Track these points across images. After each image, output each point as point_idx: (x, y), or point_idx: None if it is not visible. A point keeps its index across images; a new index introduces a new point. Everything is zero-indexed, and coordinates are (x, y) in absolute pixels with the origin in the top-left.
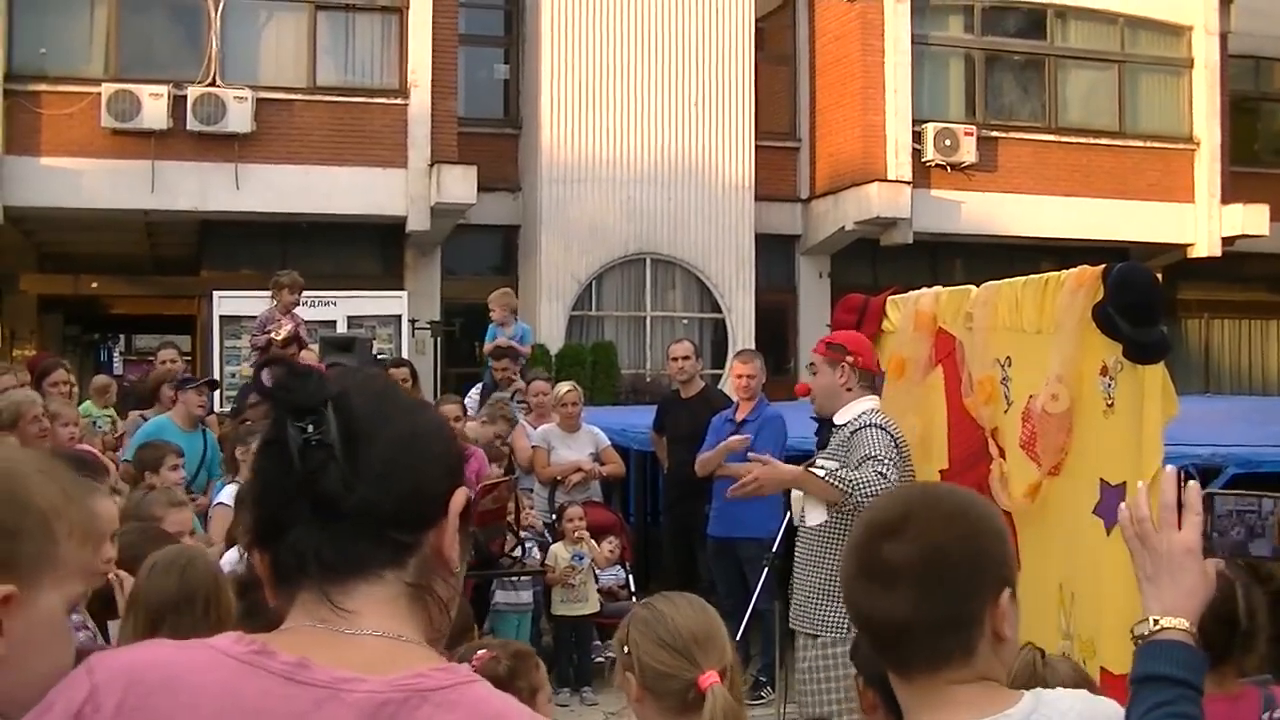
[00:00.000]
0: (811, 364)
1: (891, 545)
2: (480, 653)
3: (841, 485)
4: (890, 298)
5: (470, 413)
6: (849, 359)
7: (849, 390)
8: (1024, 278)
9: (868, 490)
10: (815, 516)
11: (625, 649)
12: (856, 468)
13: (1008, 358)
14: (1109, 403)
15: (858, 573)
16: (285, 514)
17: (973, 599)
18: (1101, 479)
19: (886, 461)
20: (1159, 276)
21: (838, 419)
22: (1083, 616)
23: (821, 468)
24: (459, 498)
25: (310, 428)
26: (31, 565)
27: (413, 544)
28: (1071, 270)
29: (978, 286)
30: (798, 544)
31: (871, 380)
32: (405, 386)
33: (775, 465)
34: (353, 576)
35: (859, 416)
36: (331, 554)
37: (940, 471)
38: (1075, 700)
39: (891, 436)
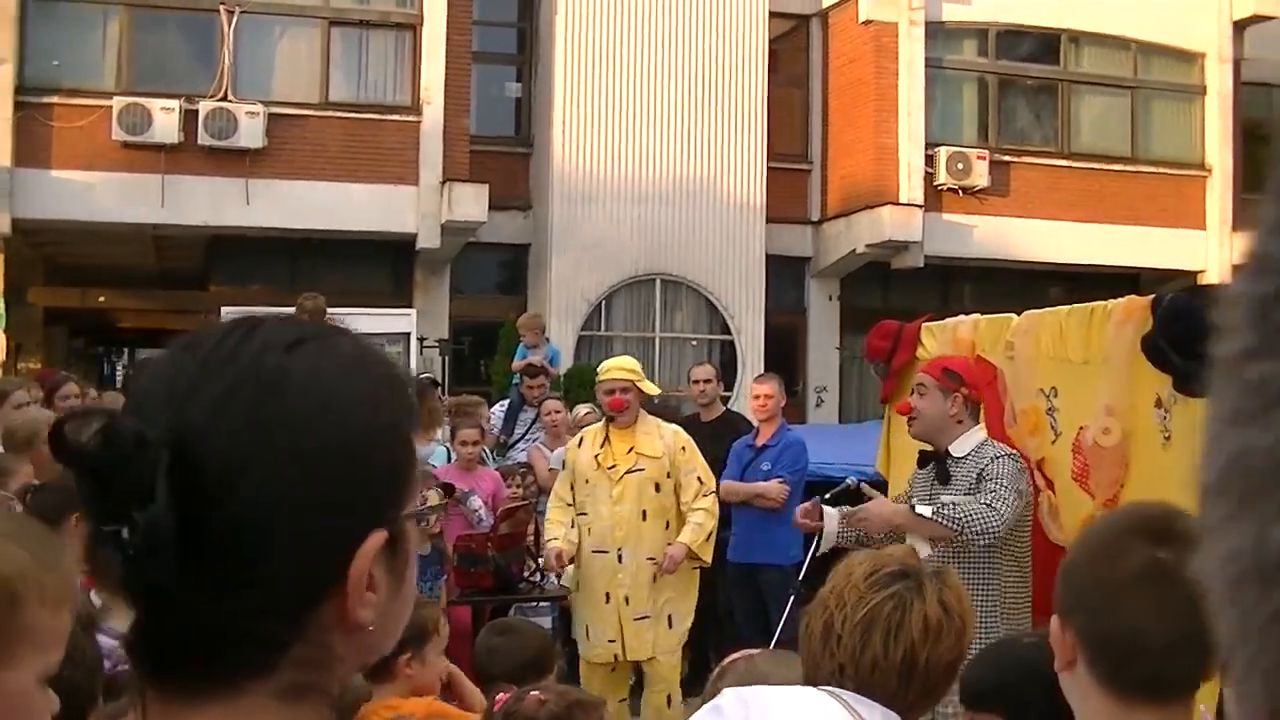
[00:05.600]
0: (921, 385)
1: (1167, 551)
2: (533, 694)
3: (951, 524)
4: (925, 325)
5: (495, 431)
6: (964, 391)
7: (959, 422)
8: (1068, 306)
9: (977, 527)
10: (922, 550)
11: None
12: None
13: (1053, 388)
14: (1166, 435)
15: (1121, 580)
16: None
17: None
18: None
19: (1007, 492)
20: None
21: (955, 450)
22: None
23: (928, 506)
24: (371, 545)
25: (126, 532)
26: None
27: (290, 636)
28: (1119, 300)
29: (1013, 313)
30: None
31: (977, 412)
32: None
33: (883, 504)
34: (195, 694)
35: (980, 447)
36: (166, 660)
37: None
38: None
39: (1019, 467)
